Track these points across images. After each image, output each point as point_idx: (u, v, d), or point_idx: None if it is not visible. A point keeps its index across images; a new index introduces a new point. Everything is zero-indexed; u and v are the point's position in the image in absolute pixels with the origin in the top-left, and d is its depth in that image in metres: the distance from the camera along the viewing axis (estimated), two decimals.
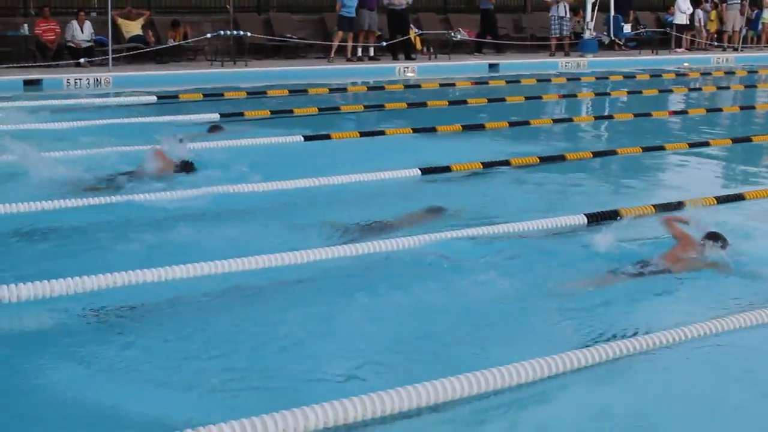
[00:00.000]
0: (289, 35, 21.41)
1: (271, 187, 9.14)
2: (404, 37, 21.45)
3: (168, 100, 15.27)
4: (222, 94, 15.77)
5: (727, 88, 19.99)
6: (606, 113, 15.92)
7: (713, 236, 7.01)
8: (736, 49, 26.04)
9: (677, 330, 5.64)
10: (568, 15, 23.34)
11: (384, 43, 21.31)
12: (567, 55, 23.05)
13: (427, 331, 5.74)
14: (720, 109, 16.45)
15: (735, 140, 12.98)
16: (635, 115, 15.05)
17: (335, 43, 20.84)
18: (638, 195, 9.51)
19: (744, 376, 5.38)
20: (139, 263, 6.40)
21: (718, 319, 5.84)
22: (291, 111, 14.30)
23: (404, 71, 19.97)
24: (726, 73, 22.51)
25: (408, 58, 21.33)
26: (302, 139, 11.86)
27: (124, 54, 18.67)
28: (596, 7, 23.88)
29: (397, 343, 5.56)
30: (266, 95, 16.19)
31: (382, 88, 17.75)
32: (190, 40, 20.01)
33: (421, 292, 6.40)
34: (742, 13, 26.49)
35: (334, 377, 5.04)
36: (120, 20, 19.53)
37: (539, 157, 10.92)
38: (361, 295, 6.25)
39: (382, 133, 12.68)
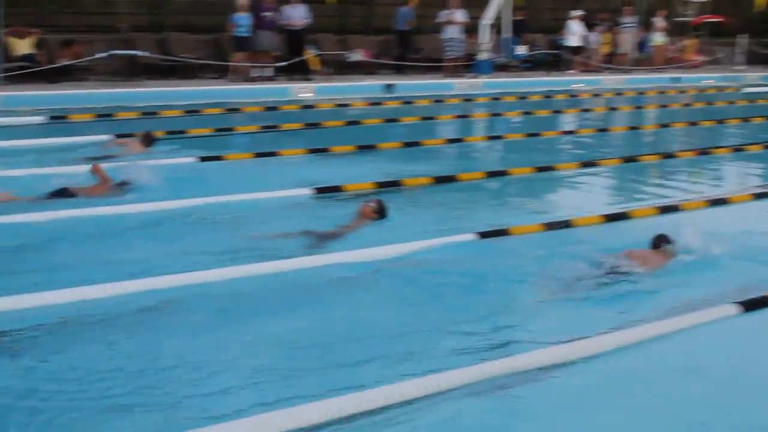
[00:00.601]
0: (184, 55, 21.23)
1: (162, 207, 9.04)
2: (301, 58, 21.46)
3: (59, 121, 14.98)
4: (114, 114, 15.53)
5: (617, 108, 20.44)
6: (499, 133, 16.13)
7: (661, 238, 7.75)
8: (626, 71, 26.71)
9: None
10: (462, 36, 23.64)
11: (281, 63, 21.28)
12: (461, 76, 23.32)
13: (310, 352, 5.77)
14: (609, 129, 16.82)
15: (624, 159, 13.30)
16: (527, 135, 15.33)
17: (231, 63, 20.75)
18: (530, 214, 9.66)
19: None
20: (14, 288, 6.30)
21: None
22: (185, 131, 14.15)
23: (301, 91, 19.95)
24: (616, 94, 23.05)
25: (305, 78, 21.35)
26: (196, 159, 11.75)
27: (14, 73, 18.26)
28: (491, 30, 24.22)
29: (281, 364, 5.57)
30: (160, 115, 16.00)
31: (278, 108, 17.69)
32: (82, 60, 19.66)
33: (310, 313, 6.45)
34: (634, 36, 27.21)
35: (217, 401, 5.03)
36: (9, 39, 19.10)
37: (433, 177, 11.04)
38: (249, 316, 6.26)
39: (276, 153, 12.64)
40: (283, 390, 5.22)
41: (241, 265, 7.36)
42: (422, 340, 6.08)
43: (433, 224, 9.04)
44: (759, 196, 10.83)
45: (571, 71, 25.95)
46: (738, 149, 14.66)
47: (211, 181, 10.53)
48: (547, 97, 21.12)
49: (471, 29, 24.31)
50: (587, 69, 26.44)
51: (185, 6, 23.42)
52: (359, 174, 11.32)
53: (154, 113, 16.06)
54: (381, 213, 8.95)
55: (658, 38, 28.13)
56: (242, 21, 20.57)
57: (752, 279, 7.56)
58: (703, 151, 14.28)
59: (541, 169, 12.05)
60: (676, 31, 29.21)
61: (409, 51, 24.16)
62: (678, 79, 26.13)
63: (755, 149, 14.82)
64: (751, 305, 6.81)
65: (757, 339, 6.52)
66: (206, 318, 6.31)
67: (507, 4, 23.81)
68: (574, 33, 26.27)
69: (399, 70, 23.62)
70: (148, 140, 12.08)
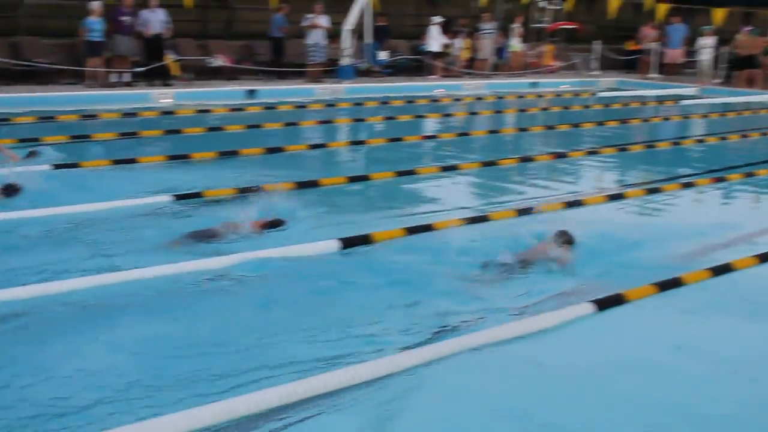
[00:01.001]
0: (38, 60, 20.61)
1: (15, 217, 8.77)
2: (160, 63, 21.12)
3: None
4: None
5: (477, 113, 20.77)
6: (362, 138, 16.20)
7: (561, 234, 8.07)
8: (486, 76, 27.20)
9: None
10: (325, 42, 23.68)
11: (139, 69, 20.90)
12: (321, 81, 23.33)
13: (172, 361, 5.67)
14: (469, 134, 17.07)
15: (484, 164, 13.52)
16: (389, 140, 15.44)
17: (87, 69, 20.28)
18: (392, 218, 9.71)
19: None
20: None
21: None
22: (39, 139, 13.73)
23: (160, 97, 19.62)
24: (476, 99, 23.43)
25: (164, 84, 21.01)
26: (51, 167, 11.41)
27: None
28: (353, 35, 24.31)
29: (140, 374, 5.45)
30: (13, 122, 15.49)
31: (138, 114, 17.34)
32: None
33: (175, 320, 6.37)
34: (493, 42, 27.74)
35: (74, 413, 4.90)
36: None
37: (295, 183, 11.00)
38: (107, 325, 6.14)
39: (135, 160, 12.38)
40: (142, 402, 5.11)
41: (99, 274, 7.21)
42: (287, 348, 6.04)
43: (296, 230, 8.99)
44: (613, 198, 11.14)
45: (433, 76, 26.29)
46: (593, 152, 15.08)
47: (66, 190, 10.22)
48: (410, 102, 21.30)
49: (333, 35, 24.38)
50: (448, 74, 26.81)
51: (38, 9, 22.72)
52: (221, 180, 11.20)
53: (7, 120, 15.54)
54: (275, 225, 8.88)
55: (516, 44, 28.76)
56: (95, 26, 20.16)
57: (606, 277, 7.79)
58: (560, 155, 14.65)
59: (402, 174, 12.14)
60: (533, 37, 29.90)
61: (282, 57, 24.06)
62: (536, 84, 26.75)
63: (610, 151, 15.27)
64: (604, 304, 7.00)
65: (610, 337, 6.69)
66: (64, 327, 6.16)
67: (369, 10, 23.92)
68: (435, 39, 26.65)
69: (269, 76, 23.47)
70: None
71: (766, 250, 8.84)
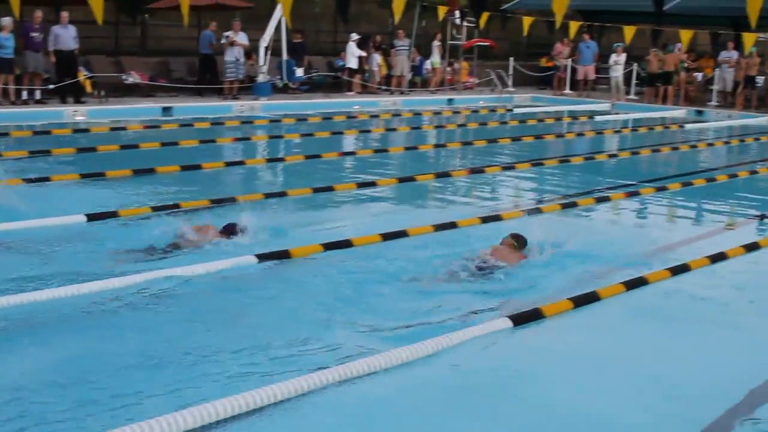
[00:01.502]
0: None
1: None
2: (73, 80, 20.78)
3: None
4: None
5: (395, 129, 20.85)
6: (279, 155, 16.13)
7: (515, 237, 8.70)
8: (402, 93, 27.33)
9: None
10: (242, 59, 23.57)
11: (52, 86, 20.54)
12: (237, 98, 23.19)
13: (91, 378, 5.60)
14: (387, 150, 17.12)
15: (401, 179, 13.57)
16: (307, 157, 15.40)
17: None
18: (309, 235, 9.67)
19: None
20: None
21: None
22: None
23: (73, 115, 19.30)
24: (393, 115, 23.52)
25: (77, 101, 20.67)
26: None
27: None
28: (269, 52, 24.23)
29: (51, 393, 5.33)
30: None
31: (49, 132, 17.02)
32: None
33: (95, 337, 6.30)
34: (409, 59, 27.91)
35: None
36: None
37: (210, 200, 10.92)
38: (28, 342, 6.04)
39: (47, 179, 12.14)
40: (64, 417, 5.02)
41: (15, 294, 7.06)
42: (210, 364, 6.02)
43: (215, 245, 8.92)
44: (530, 212, 11.26)
45: (350, 93, 26.33)
46: (509, 167, 15.25)
47: None
48: (327, 118, 21.29)
49: (250, 51, 24.28)
50: (366, 91, 26.88)
51: None
52: (136, 198, 11.05)
53: None
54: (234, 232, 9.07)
55: (437, 61, 29.00)
56: (5, 42, 19.77)
57: (523, 292, 7.89)
58: (476, 170, 14.77)
59: (319, 190, 12.12)
60: (449, 54, 30.14)
61: (213, 74, 23.95)
62: (452, 101, 26.97)
63: (526, 166, 15.46)
64: (521, 319, 7.06)
65: (527, 350, 6.75)
66: None
67: (284, 27, 23.86)
68: (353, 55, 26.71)
69: (186, 93, 23.25)
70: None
71: (678, 263, 9.02)
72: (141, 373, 5.78)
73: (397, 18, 9.71)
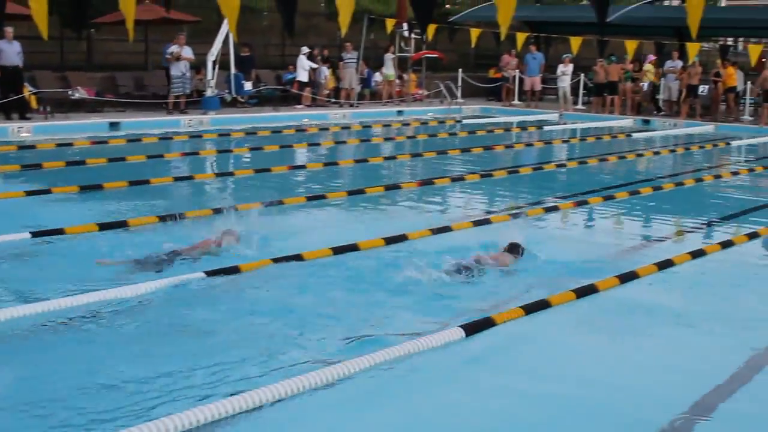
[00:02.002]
0: None
1: None
2: (18, 96, 20.51)
3: None
4: None
5: (344, 142, 20.84)
6: (228, 170, 16.02)
7: (513, 247, 9.13)
8: (352, 105, 27.35)
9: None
10: (188, 73, 23.44)
11: None
12: (184, 113, 23.05)
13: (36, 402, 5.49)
14: (337, 163, 17.10)
15: (350, 192, 13.54)
16: (256, 171, 15.33)
17: None
18: (259, 250, 9.60)
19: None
20: None
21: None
22: None
23: (18, 131, 19.05)
24: (343, 128, 23.51)
25: (22, 117, 20.40)
26: None
27: None
28: (217, 66, 24.14)
29: None
30: None
31: None
32: None
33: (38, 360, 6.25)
34: (357, 71, 27.94)
35: None
36: None
37: (157, 217, 10.83)
38: None
39: None
40: None
41: None
42: (162, 380, 5.97)
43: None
44: (478, 223, 11.29)
45: (299, 106, 26.29)
46: (458, 179, 15.30)
47: None
48: (276, 132, 21.22)
49: (198, 65, 24.17)
50: (315, 104, 26.86)
51: None
52: (83, 215, 10.92)
53: None
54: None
55: (391, 73, 29.07)
56: None
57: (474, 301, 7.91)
58: (426, 182, 14.80)
59: (269, 204, 12.06)
60: (398, 66, 30.21)
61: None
62: (402, 113, 27.03)
63: (475, 178, 15.52)
64: (474, 328, 7.07)
65: (479, 359, 6.77)
66: None
67: (232, 41, 23.78)
68: (303, 68, 26.68)
69: (133, 108, 23.06)
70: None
71: (626, 271, 9.09)
72: (90, 394, 5.71)
73: (343, 31, 9.75)
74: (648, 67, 28.92)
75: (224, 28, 23.24)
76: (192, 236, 9.61)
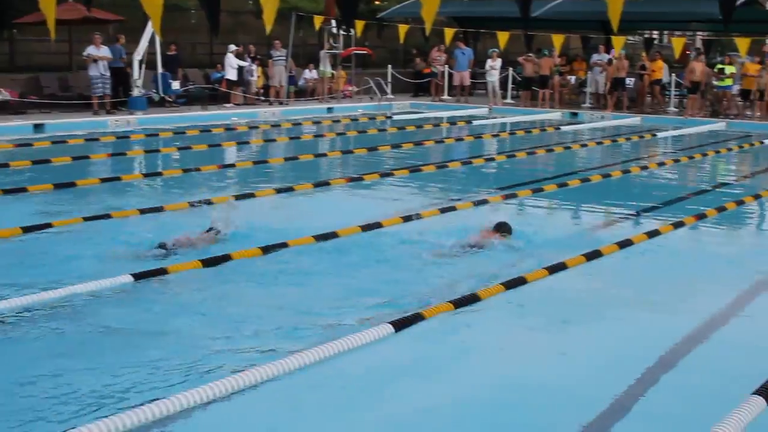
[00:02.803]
0: None
1: None
2: None
3: None
4: None
5: (274, 140, 20.72)
6: (156, 170, 15.82)
7: (500, 226, 10.04)
8: (281, 103, 27.23)
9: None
10: (107, 73, 23.05)
11: None
12: (111, 113, 22.72)
13: None
14: (266, 161, 17.00)
15: (279, 190, 13.47)
16: (184, 171, 15.18)
17: None
18: (188, 251, 9.50)
19: None
20: None
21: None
22: None
23: None
24: (273, 126, 23.39)
25: None
26: None
27: None
28: (144, 65, 23.86)
29: None
30: None
31: None
32: None
33: None
34: (286, 69, 27.81)
35: None
36: None
37: (83, 218, 10.66)
38: None
39: None
40: None
41: None
42: (86, 385, 5.90)
43: (89, 265, 8.72)
44: (407, 219, 11.29)
45: (229, 105, 26.09)
46: (387, 174, 15.31)
47: None
48: (205, 131, 21.03)
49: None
50: (245, 102, 26.69)
51: None
52: (7, 218, 10.70)
53: None
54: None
55: (326, 70, 29.04)
56: None
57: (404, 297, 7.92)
58: (357, 178, 14.78)
59: (195, 204, 11.94)
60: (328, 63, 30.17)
61: (126, 87, 23.80)
62: (332, 110, 26.98)
63: (405, 173, 15.54)
64: (403, 324, 7.08)
65: (409, 353, 6.78)
66: None
67: (158, 39, 23.50)
68: (231, 66, 26.49)
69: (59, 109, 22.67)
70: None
71: (555, 262, 9.18)
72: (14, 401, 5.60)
73: (268, 29, 9.64)
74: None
75: (150, 26, 22.96)
76: (117, 237, 9.51)
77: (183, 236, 9.64)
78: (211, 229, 9.95)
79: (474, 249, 9.67)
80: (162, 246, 9.34)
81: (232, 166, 16.44)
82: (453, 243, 9.75)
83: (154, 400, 5.43)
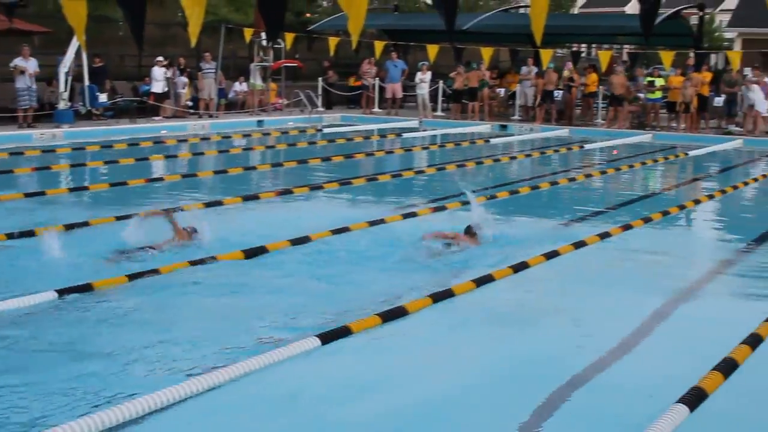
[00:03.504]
0: None
1: None
2: None
3: None
4: None
5: (203, 153, 20.57)
6: (83, 184, 15.60)
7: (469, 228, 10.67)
8: (211, 116, 27.05)
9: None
10: (33, 86, 22.67)
11: None
12: (34, 126, 22.35)
13: None
14: (195, 175, 16.84)
15: (208, 204, 13.33)
16: (112, 185, 14.98)
17: None
18: (113, 266, 9.38)
19: None
20: None
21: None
22: None
23: None
24: (202, 139, 23.20)
25: None
26: None
27: None
28: (70, 77, 23.53)
29: None
30: None
31: None
32: None
33: None
34: (216, 82, 27.64)
35: None
36: None
37: (4, 235, 10.47)
38: None
39: None
40: None
41: None
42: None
43: (14, 281, 8.65)
44: (337, 231, 11.28)
45: (157, 118, 25.84)
46: (317, 187, 15.28)
47: None
48: (133, 145, 20.79)
49: (48, 78, 23.51)
50: (174, 115, 26.46)
51: None
52: None
53: None
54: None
55: (258, 83, 28.94)
56: None
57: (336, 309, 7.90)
58: (285, 191, 14.73)
59: (122, 218, 11.79)
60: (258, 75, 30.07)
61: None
62: (262, 123, 26.88)
63: (334, 186, 15.52)
64: (330, 337, 7.07)
65: (339, 365, 6.78)
66: None
67: (84, 51, 23.19)
68: (159, 79, 26.24)
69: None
70: None
71: (481, 274, 9.24)
72: None
73: (193, 41, 9.56)
74: (566, 73, 29.38)
75: (76, 38, 22.66)
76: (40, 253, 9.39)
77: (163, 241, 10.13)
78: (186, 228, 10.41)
79: (450, 250, 10.36)
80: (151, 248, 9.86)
81: (161, 179, 16.26)
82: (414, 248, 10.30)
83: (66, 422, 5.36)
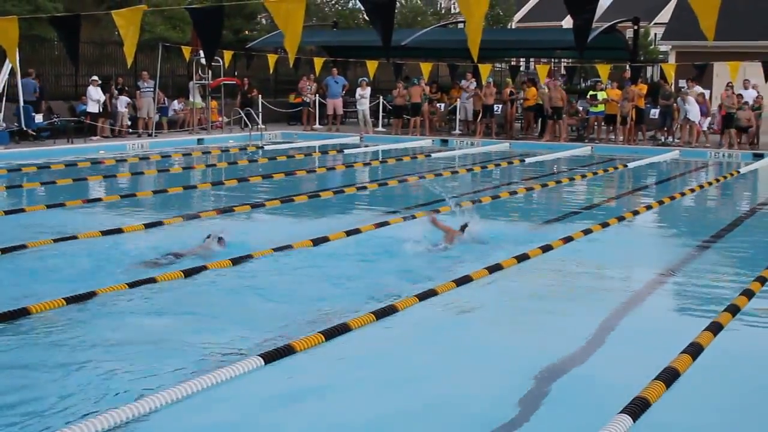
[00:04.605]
0: None
1: None
2: None
3: None
4: None
5: (142, 173, 20.34)
6: (18, 207, 15.30)
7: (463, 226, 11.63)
8: (150, 135, 26.80)
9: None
10: None
11: None
12: None
13: None
14: (134, 195, 16.62)
15: (148, 225, 13.15)
16: (48, 207, 14.73)
17: None
18: (56, 286, 9.22)
19: None
20: None
21: None
22: None
23: None
24: (141, 158, 22.95)
25: None
26: None
27: None
28: (4, 98, 23.17)
29: None
30: None
31: None
32: None
33: None
34: (155, 100, 27.42)
35: None
36: None
37: None
38: None
39: None
40: None
41: None
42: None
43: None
44: (279, 249, 11.21)
45: (95, 138, 25.52)
46: (259, 205, 15.19)
47: None
48: (70, 165, 20.50)
49: None
50: (112, 135, 26.16)
51: None
52: None
53: None
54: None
55: (196, 102, 28.79)
56: None
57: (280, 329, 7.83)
58: (226, 210, 14.61)
59: (61, 240, 11.61)
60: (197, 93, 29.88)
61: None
62: (202, 141, 26.70)
63: (275, 204, 15.43)
64: (273, 356, 7.01)
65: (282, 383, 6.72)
66: None
67: (18, 71, 22.84)
68: (95, 98, 25.90)
69: None
70: None
71: (426, 289, 9.24)
72: None
73: (129, 61, 9.45)
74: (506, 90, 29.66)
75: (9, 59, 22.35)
76: None
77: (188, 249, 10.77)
78: (209, 236, 10.98)
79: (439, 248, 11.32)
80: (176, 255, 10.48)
81: (99, 200, 16.03)
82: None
83: None
